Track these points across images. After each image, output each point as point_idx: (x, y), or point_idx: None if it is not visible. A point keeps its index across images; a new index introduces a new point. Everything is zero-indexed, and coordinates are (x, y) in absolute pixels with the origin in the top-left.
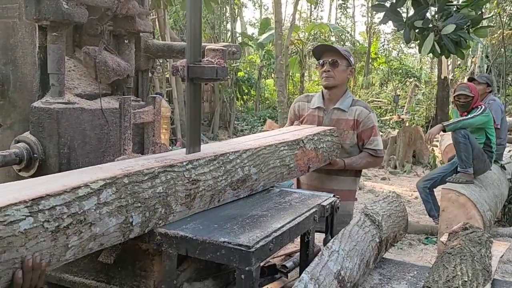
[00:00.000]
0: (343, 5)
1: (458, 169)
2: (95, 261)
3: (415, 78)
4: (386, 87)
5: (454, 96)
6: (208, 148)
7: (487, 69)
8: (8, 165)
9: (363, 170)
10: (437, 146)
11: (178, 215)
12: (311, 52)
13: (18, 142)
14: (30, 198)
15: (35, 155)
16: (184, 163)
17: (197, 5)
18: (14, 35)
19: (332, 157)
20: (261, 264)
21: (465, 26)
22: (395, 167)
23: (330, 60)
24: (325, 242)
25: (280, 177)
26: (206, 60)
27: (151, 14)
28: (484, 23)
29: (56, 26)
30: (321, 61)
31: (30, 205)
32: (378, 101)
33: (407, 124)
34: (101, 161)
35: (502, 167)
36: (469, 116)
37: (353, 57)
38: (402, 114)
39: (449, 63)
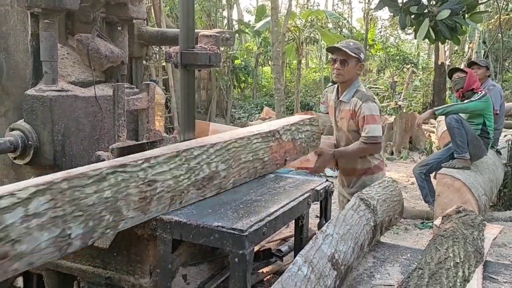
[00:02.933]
0: None
1: (455, 155)
2: (91, 246)
3: (413, 65)
4: (384, 73)
5: (450, 76)
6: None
7: (484, 55)
8: (3, 153)
9: None
10: (433, 132)
11: (130, 222)
12: (308, 39)
13: (12, 130)
14: None
15: (29, 143)
16: (139, 162)
17: None
18: (6, 22)
19: (314, 148)
20: (257, 248)
21: (460, 12)
22: (392, 153)
23: (340, 59)
24: (320, 226)
25: (253, 173)
26: (199, 46)
27: (146, 1)
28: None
29: (48, 13)
30: (333, 57)
31: None
32: (376, 87)
33: (404, 111)
34: (95, 148)
35: (498, 152)
36: (465, 101)
37: (364, 52)
38: (399, 101)
39: (446, 49)
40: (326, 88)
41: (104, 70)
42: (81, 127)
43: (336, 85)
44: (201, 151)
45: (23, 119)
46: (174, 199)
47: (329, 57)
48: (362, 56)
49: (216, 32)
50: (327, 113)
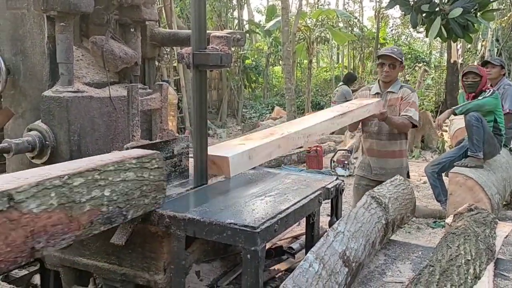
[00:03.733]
0: None
1: (468, 153)
2: (106, 244)
3: (424, 63)
4: None
5: (463, 76)
6: None
7: (497, 53)
8: (21, 152)
9: None
10: (446, 131)
11: None
12: (318, 39)
13: (30, 130)
14: None
15: (47, 143)
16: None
17: None
18: (23, 25)
19: (146, 207)
20: (269, 246)
21: (472, 10)
22: None
23: (389, 63)
24: (331, 224)
25: None
26: (211, 47)
27: (157, 2)
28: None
29: (63, 16)
30: (381, 62)
31: None
32: None
33: None
34: (110, 148)
35: (511, 151)
36: (478, 99)
37: (403, 54)
38: None
39: (458, 47)
40: (337, 88)
41: (118, 71)
42: (96, 127)
43: (372, 85)
44: None
45: (40, 120)
46: None
47: (375, 62)
48: (403, 58)
49: (228, 33)
50: None
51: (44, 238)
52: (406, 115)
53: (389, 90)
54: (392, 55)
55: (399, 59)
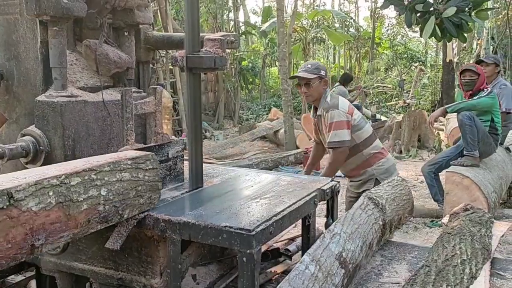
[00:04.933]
0: None
1: (464, 152)
2: (102, 249)
3: (421, 62)
4: (391, 72)
5: (460, 74)
6: None
7: (492, 51)
8: (15, 158)
9: None
10: (442, 130)
11: None
12: (314, 39)
13: (24, 135)
14: None
15: (41, 148)
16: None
17: None
18: (16, 31)
19: (142, 206)
20: (265, 248)
21: (466, 9)
22: (400, 152)
23: (304, 83)
24: (327, 225)
25: None
26: (205, 50)
27: (153, 5)
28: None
29: (56, 21)
30: (297, 83)
31: None
32: (384, 86)
33: (412, 109)
34: (105, 152)
35: (507, 149)
36: (473, 98)
37: (324, 68)
38: (408, 99)
39: (454, 46)
40: (333, 88)
41: (111, 75)
42: (91, 131)
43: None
44: None
45: (34, 125)
46: None
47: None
48: (322, 73)
49: (221, 36)
50: None
51: (43, 236)
52: (329, 142)
53: (318, 113)
54: (303, 74)
55: (314, 75)
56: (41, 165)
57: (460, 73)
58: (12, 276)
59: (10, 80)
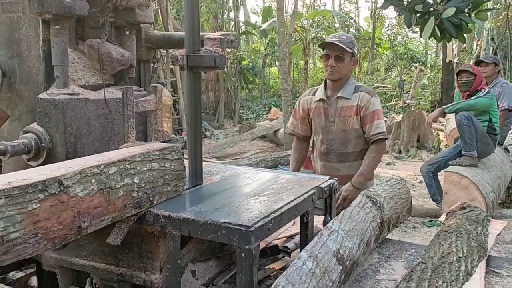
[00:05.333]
0: None
1: (462, 152)
2: (103, 244)
3: (421, 63)
4: (391, 72)
5: (457, 75)
6: None
7: (492, 52)
8: (17, 154)
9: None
10: (442, 130)
11: None
12: (314, 39)
13: (26, 132)
14: None
15: (43, 145)
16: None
17: None
18: (19, 29)
19: (168, 194)
20: (264, 245)
21: (466, 9)
22: (400, 152)
23: (335, 55)
24: (325, 223)
25: None
26: (205, 49)
27: (154, 4)
28: (489, 5)
29: (58, 19)
30: (325, 52)
31: None
32: (383, 86)
33: (412, 109)
34: (106, 149)
35: (506, 149)
36: (471, 98)
37: (356, 45)
38: (408, 100)
39: (454, 47)
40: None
41: (114, 73)
42: (92, 129)
43: (319, 86)
44: None
45: (36, 122)
46: None
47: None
48: (355, 50)
49: (221, 35)
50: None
51: (88, 219)
52: (376, 134)
53: (339, 95)
54: (340, 43)
55: (350, 50)
56: (43, 162)
57: (457, 74)
58: (13, 272)
59: (13, 77)
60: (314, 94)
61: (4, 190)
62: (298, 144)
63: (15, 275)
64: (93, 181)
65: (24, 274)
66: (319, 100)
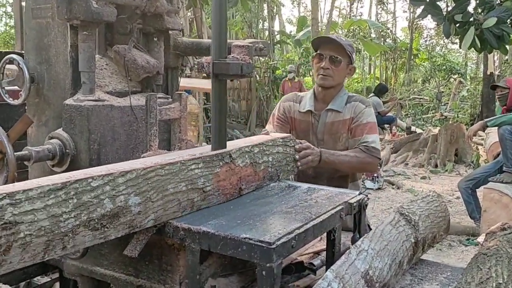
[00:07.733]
0: (382, 0)
1: (504, 168)
2: (124, 255)
3: (460, 75)
4: (429, 84)
5: (490, 87)
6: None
7: None
8: (41, 160)
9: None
10: (481, 145)
11: None
12: None
13: (51, 138)
14: None
15: (67, 151)
16: None
17: (222, 1)
18: (48, 34)
19: (288, 174)
20: (289, 261)
21: (508, 20)
22: (436, 166)
23: (330, 56)
24: (353, 241)
25: (189, 205)
26: (232, 56)
27: (190, 13)
28: None
29: (86, 25)
30: (319, 52)
31: None
32: (420, 98)
33: (450, 122)
34: (130, 157)
35: None
36: None
37: (355, 52)
38: (445, 112)
39: (495, 58)
40: (368, 99)
41: (140, 80)
42: (117, 136)
43: (306, 93)
44: (103, 181)
45: (61, 128)
46: (52, 245)
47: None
48: (354, 56)
49: (250, 42)
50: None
51: (244, 183)
52: (364, 143)
53: (329, 107)
54: (338, 40)
55: (348, 53)
56: (67, 168)
57: (493, 89)
58: (38, 277)
59: (41, 83)
60: (299, 103)
61: (201, 158)
62: None
63: (40, 280)
64: (246, 156)
65: (49, 279)
66: (306, 111)
